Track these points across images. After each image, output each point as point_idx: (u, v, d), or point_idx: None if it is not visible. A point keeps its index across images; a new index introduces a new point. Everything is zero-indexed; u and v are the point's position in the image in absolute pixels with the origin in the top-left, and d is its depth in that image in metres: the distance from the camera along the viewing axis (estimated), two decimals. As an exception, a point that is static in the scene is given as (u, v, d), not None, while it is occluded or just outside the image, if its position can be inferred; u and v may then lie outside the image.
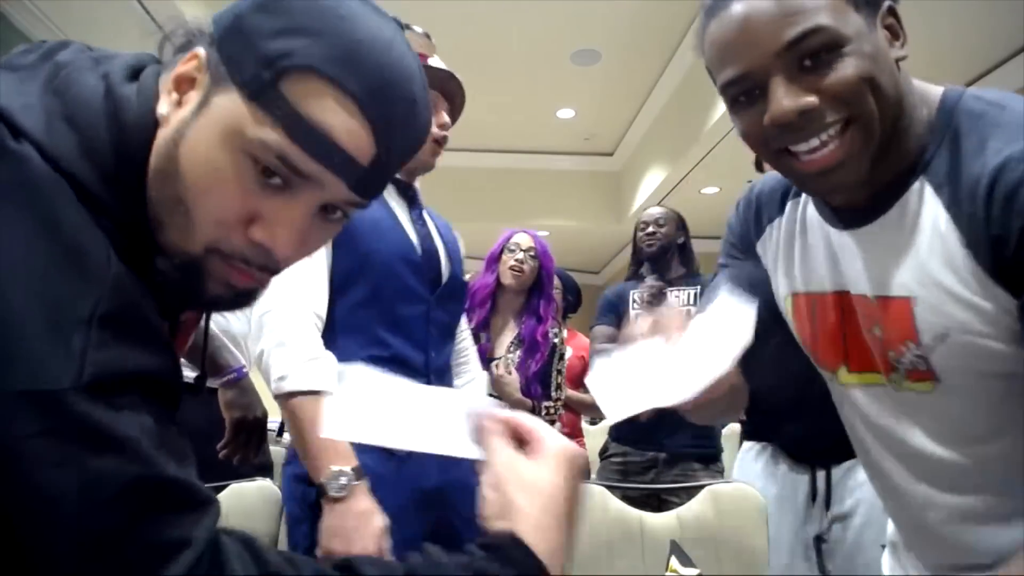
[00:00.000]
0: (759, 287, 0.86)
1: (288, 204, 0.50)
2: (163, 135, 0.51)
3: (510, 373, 2.16)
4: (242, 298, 0.55)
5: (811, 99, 0.64)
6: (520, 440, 0.56)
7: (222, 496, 1.37)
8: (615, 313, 2.43)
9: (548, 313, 2.27)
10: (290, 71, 0.48)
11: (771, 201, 0.87)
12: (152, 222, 0.51)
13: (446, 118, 1.36)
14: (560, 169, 6.49)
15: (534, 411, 2.15)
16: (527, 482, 0.52)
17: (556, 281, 2.61)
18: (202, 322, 0.67)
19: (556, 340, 2.31)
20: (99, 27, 3.17)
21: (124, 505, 0.39)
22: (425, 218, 1.38)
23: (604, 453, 2.49)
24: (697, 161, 5.06)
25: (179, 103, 0.51)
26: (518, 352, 2.23)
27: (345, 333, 1.24)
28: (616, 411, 0.50)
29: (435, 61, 1.35)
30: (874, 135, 0.65)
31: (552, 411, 2.30)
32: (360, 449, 1.22)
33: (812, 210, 0.80)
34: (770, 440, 1.71)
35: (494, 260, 2.27)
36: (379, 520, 1.11)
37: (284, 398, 1.12)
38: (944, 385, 0.70)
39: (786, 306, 0.86)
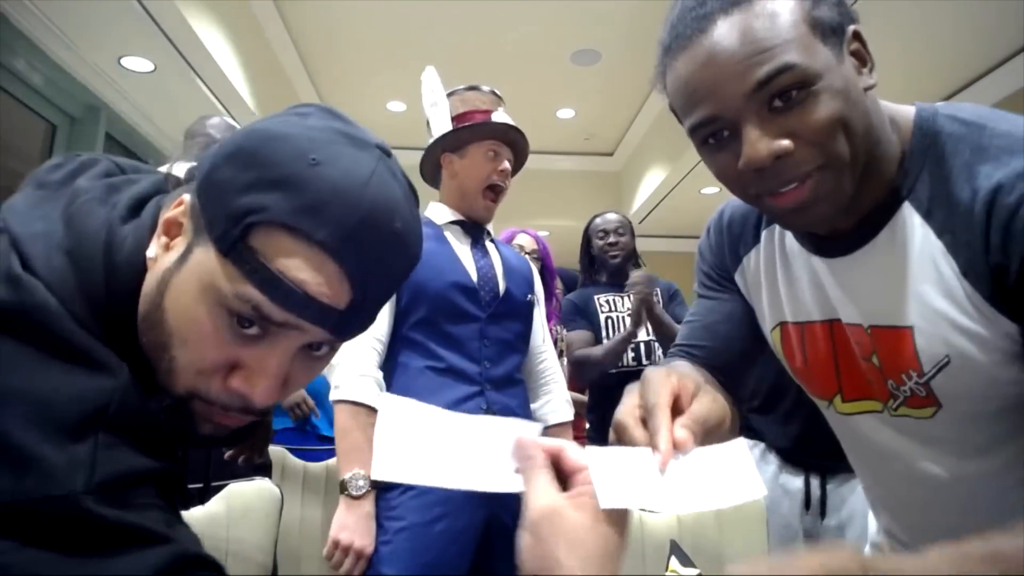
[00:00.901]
0: (738, 321, 0.87)
1: (267, 352, 0.51)
2: (150, 280, 0.52)
3: None
4: (236, 435, 0.57)
5: (785, 143, 0.61)
6: (562, 473, 0.52)
7: (222, 496, 1.37)
8: (584, 318, 2.42)
9: (551, 312, 2.31)
10: (258, 227, 0.49)
11: (744, 230, 0.85)
12: (148, 363, 0.52)
13: (507, 166, 1.58)
14: (560, 169, 6.49)
15: None
16: (567, 531, 0.48)
17: (557, 280, 2.63)
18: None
19: (558, 338, 2.34)
20: (99, 27, 3.17)
21: None
22: (489, 249, 1.62)
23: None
24: (697, 161, 5.06)
25: (167, 247, 0.53)
26: None
27: (407, 349, 1.48)
28: (610, 501, 0.50)
29: (500, 115, 1.58)
30: (845, 174, 0.64)
31: None
32: None
33: (791, 239, 0.78)
34: (761, 438, 1.72)
35: None
36: (375, 525, 1.36)
37: (336, 404, 1.39)
38: (945, 410, 0.69)
39: (774, 337, 0.84)
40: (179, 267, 0.51)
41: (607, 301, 2.42)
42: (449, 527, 1.32)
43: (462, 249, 1.57)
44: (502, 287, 1.56)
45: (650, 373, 0.61)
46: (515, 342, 1.57)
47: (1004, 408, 0.68)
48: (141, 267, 0.53)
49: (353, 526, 1.33)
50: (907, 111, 0.70)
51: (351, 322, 0.53)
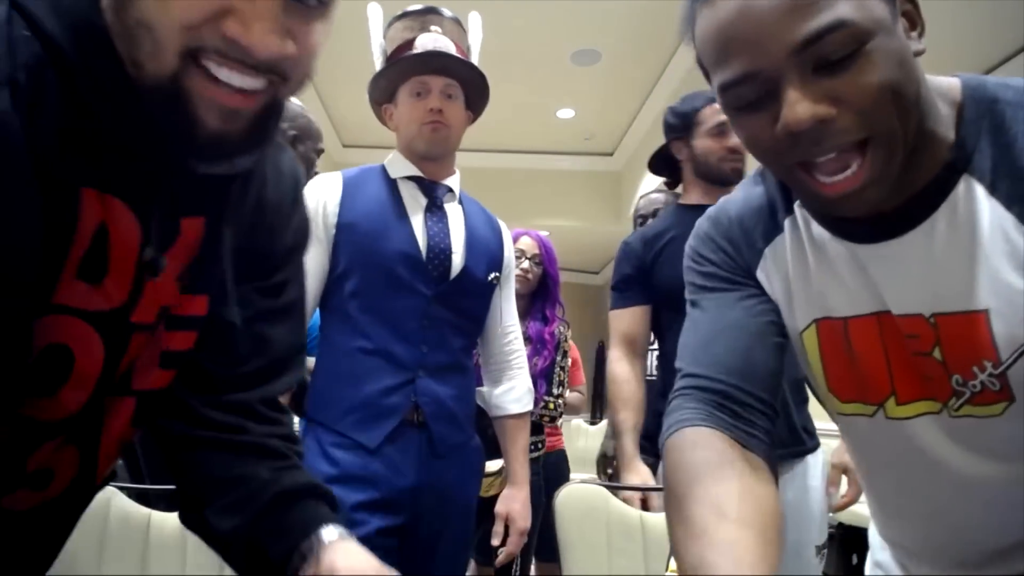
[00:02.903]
0: (757, 326, 0.73)
1: None
2: None
3: None
4: (251, 133, 0.51)
5: (829, 109, 0.55)
6: None
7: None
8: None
9: (554, 315, 2.32)
10: None
11: (757, 222, 0.75)
12: (128, 66, 0.47)
13: (435, 102, 1.34)
14: (560, 169, 6.48)
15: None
16: None
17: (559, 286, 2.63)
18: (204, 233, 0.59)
19: (561, 339, 2.36)
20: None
21: None
22: (449, 213, 1.39)
23: (605, 456, 2.48)
24: (697, 161, 5.06)
25: None
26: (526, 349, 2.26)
27: (338, 322, 1.31)
28: None
29: (428, 39, 1.35)
30: (896, 152, 0.57)
31: (552, 406, 2.33)
32: (335, 445, 1.24)
33: (817, 227, 0.70)
34: None
35: None
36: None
37: None
38: (1018, 405, 0.62)
39: (806, 338, 0.73)
40: None
41: None
42: (356, 535, 1.24)
43: (414, 210, 1.35)
44: (457, 261, 1.34)
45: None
46: (464, 325, 1.38)
47: None
48: None
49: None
50: (952, 81, 0.64)
51: None
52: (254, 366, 0.68)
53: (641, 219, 2.40)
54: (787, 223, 0.73)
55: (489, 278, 1.41)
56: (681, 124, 1.77)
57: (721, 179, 1.71)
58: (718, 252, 0.77)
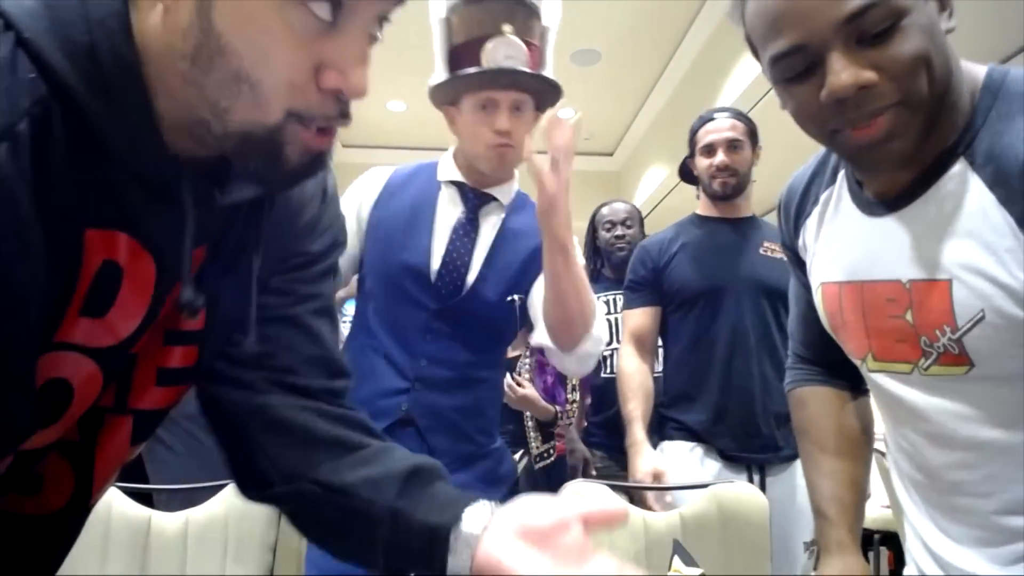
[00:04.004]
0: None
1: (348, 38, 0.48)
2: (180, 13, 0.45)
3: (529, 380, 2.18)
4: (316, 163, 0.52)
5: (871, 75, 0.62)
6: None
7: (222, 496, 1.36)
8: None
9: None
10: None
11: (804, 198, 0.87)
12: (208, 110, 0.47)
13: (504, 124, 1.24)
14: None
15: (557, 416, 2.18)
16: None
17: None
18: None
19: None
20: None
21: None
22: (482, 225, 1.30)
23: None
24: (697, 161, 5.06)
25: None
26: (535, 356, 2.24)
27: (359, 317, 1.33)
28: None
29: (499, 45, 1.22)
30: (922, 112, 0.64)
31: (570, 413, 2.34)
32: None
33: (847, 200, 0.79)
34: (699, 440, 1.71)
35: None
36: None
37: None
38: (978, 369, 0.69)
39: (817, 296, 0.85)
40: None
41: (607, 302, 2.40)
42: None
43: (444, 219, 1.29)
44: (470, 279, 1.27)
45: None
46: (475, 341, 1.30)
47: None
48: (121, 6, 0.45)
49: None
50: (979, 69, 0.70)
51: None
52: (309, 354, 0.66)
53: None
54: (823, 196, 0.84)
55: (508, 299, 1.29)
56: (689, 142, 1.89)
57: (712, 195, 1.82)
58: (782, 233, 0.95)
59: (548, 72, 1.30)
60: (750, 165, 1.81)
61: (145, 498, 1.47)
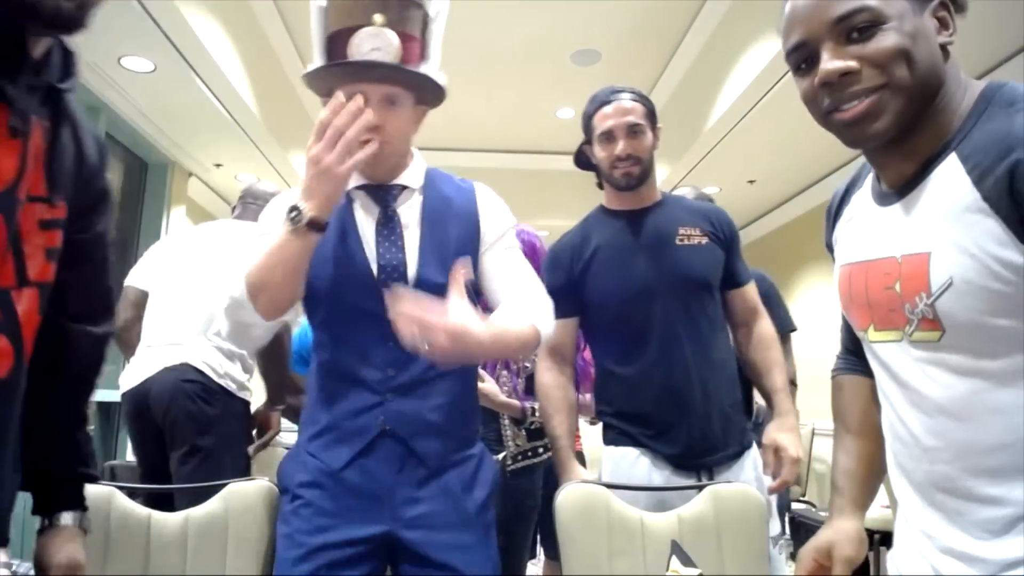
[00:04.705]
0: None
1: None
2: None
3: (504, 373, 2.15)
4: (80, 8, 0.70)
5: (852, 63, 0.77)
6: None
7: (222, 495, 1.36)
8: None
9: None
10: None
11: (842, 202, 0.99)
12: None
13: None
14: (560, 169, 6.46)
15: (523, 413, 2.14)
16: None
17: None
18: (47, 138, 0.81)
19: None
20: (99, 27, 3.16)
21: None
22: (401, 215, 1.25)
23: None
24: (697, 161, 5.06)
25: None
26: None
27: (316, 344, 1.30)
28: None
29: (370, 35, 1.16)
30: (903, 97, 0.76)
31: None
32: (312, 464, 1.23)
33: (868, 194, 0.91)
34: (644, 447, 1.60)
35: None
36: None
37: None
38: (948, 336, 0.77)
39: (836, 279, 0.96)
40: None
41: None
42: (325, 541, 1.16)
43: (366, 224, 1.24)
44: (412, 272, 1.22)
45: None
46: None
47: (1002, 347, 0.74)
48: None
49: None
50: (981, 83, 0.81)
51: None
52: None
53: None
54: (855, 196, 0.95)
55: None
56: (585, 129, 1.72)
57: (615, 185, 1.68)
58: (824, 232, 1.02)
59: (432, 64, 1.23)
60: (652, 150, 1.67)
61: (145, 498, 1.48)
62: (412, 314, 0.96)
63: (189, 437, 1.96)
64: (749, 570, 1.36)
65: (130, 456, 3.53)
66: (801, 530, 4.49)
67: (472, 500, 1.26)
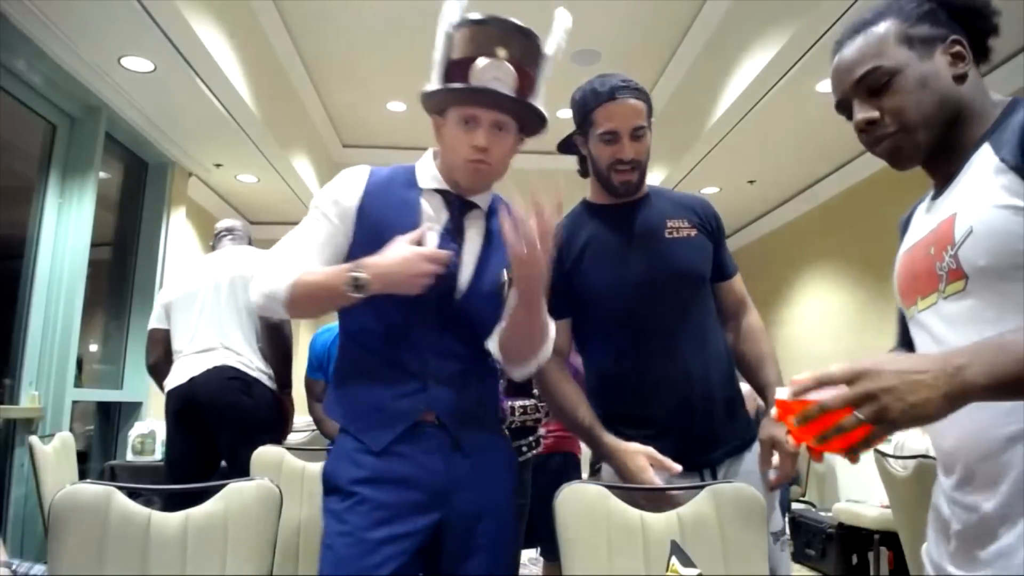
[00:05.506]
0: None
1: None
2: None
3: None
4: None
5: (874, 114, 0.98)
6: None
7: (222, 495, 1.36)
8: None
9: None
10: None
11: (911, 214, 1.12)
12: None
13: (480, 140, 1.29)
14: (560, 169, 6.47)
15: (505, 413, 2.15)
16: None
17: None
18: None
19: None
20: (99, 27, 3.17)
21: None
22: (468, 229, 1.35)
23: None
24: (697, 161, 5.06)
25: None
26: None
27: (350, 327, 1.37)
28: None
29: (489, 67, 1.29)
30: (919, 133, 0.96)
31: (530, 410, 2.26)
32: (358, 450, 1.25)
33: (924, 202, 1.06)
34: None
35: None
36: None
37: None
38: (972, 282, 0.88)
39: (896, 269, 1.08)
40: None
41: None
42: (390, 533, 1.22)
43: (431, 233, 1.32)
44: (463, 285, 1.32)
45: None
46: (472, 335, 1.37)
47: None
48: None
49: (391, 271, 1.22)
50: (1009, 98, 0.97)
51: None
52: None
53: None
54: (918, 209, 1.09)
55: (498, 283, 1.35)
56: (580, 120, 1.67)
57: (611, 191, 1.62)
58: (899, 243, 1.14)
59: (538, 100, 1.36)
60: (649, 152, 1.61)
61: (144, 498, 1.47)
62: (524, 223, 1.18)
63: (237, 423, 2.56)
64: (750, 570, 1.36)
65: (130, 456, 3.55)
66: (801, 530, 4.50)
67: (506, 487, 1.39)
